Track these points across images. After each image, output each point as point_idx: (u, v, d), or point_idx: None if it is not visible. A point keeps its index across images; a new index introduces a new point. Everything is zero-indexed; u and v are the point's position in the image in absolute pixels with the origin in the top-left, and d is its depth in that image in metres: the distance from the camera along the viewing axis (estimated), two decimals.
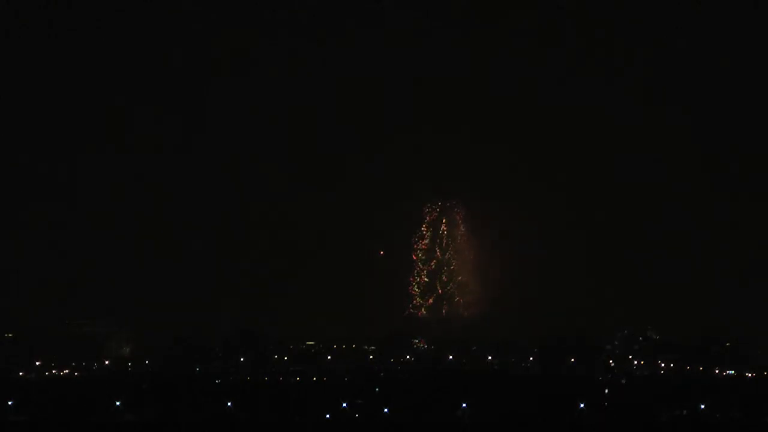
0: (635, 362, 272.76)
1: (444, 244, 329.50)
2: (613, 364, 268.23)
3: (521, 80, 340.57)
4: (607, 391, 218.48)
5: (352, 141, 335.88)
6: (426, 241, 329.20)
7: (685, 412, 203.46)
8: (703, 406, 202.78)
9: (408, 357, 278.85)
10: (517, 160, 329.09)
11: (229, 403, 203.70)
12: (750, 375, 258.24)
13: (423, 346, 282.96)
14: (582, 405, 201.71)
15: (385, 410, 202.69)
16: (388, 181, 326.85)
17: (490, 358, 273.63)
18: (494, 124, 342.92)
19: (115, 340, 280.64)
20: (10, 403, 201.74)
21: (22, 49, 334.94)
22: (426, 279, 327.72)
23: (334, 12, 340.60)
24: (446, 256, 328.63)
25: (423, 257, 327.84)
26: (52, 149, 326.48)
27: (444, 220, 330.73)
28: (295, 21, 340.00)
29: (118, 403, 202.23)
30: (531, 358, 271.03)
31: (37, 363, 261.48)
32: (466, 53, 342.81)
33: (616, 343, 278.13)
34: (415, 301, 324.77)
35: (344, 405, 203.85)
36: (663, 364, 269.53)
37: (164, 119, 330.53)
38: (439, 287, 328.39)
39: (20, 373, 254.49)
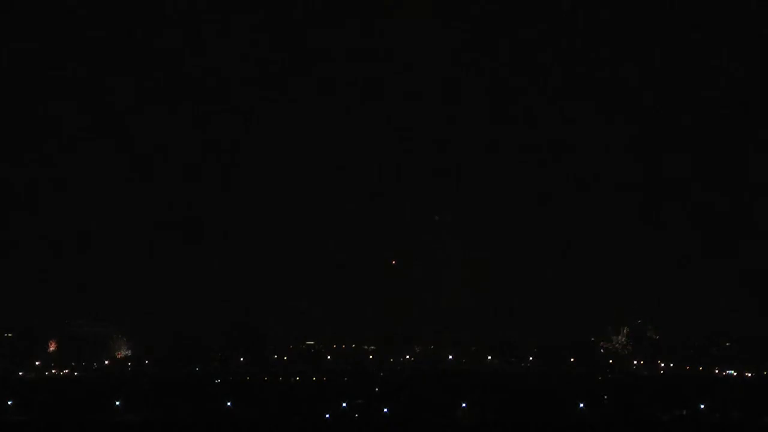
0: (635, 362, 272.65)
1: (442, 247, 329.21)
2: (612, 364, 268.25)
3: None
4: (606, 395, 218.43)
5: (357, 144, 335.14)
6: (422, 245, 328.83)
7: (685, 412, 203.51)
8: (703, 406, 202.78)
9: (408, 357, 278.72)
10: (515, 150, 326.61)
11: (228, 403, 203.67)
12: (750, 375, 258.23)
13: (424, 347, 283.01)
14: (582, 405, 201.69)
15: (385, 410, 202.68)
16: (390, 185, 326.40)
17: (489, 358, 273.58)
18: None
19: (114, 340, 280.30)
20: (10, 403, 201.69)
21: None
22: (426, 279, 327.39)
23: None
24: (443, 258, 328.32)
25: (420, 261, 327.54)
26: (51, 147, 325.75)
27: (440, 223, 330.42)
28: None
29: (118, 403, 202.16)
30: (531, 358, 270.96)
31: (37, 363, 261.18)
32: None
33: (615, 343, 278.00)
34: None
35: (344, 405, 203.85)
36: (663, 364, 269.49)
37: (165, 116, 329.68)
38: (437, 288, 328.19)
39: (20, 373, 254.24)
